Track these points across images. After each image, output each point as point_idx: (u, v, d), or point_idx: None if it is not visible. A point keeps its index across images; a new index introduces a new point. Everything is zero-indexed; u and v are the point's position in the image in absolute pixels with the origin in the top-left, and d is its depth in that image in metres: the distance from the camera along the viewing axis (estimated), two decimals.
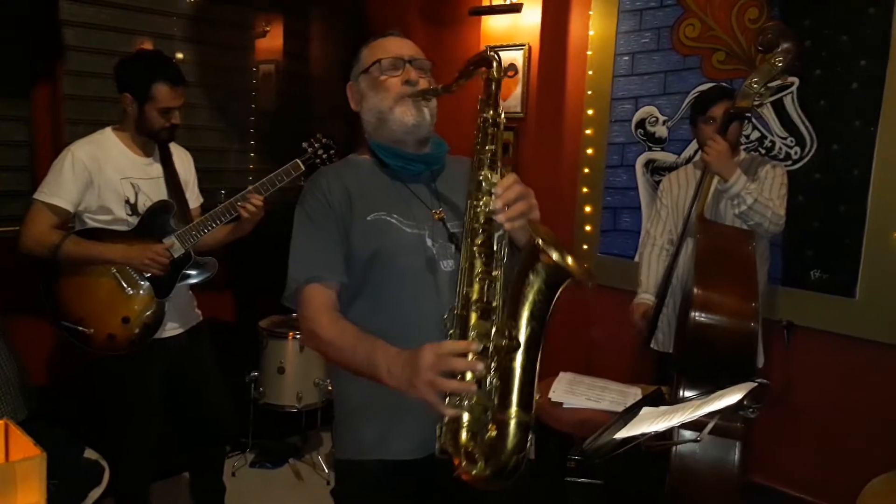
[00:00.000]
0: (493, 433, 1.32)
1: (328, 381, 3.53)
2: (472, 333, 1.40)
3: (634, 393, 2.52)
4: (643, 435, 1.59)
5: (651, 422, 1.62)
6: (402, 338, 1.48)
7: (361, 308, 1.60)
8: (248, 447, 3.68)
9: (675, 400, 2.27)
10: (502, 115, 1.51)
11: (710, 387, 2.09)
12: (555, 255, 1.28)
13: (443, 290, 1.56)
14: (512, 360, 1.32)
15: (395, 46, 1.67)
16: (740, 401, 1.61)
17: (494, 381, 1.34)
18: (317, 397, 3.51)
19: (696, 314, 2.32)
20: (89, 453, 2.31)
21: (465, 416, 1.36)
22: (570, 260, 1.29)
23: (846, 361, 3.02)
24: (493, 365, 1.35)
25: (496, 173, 1.47)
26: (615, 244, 3.82)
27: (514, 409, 1.31)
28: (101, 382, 2.63)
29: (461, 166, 1.70)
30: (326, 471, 3.55)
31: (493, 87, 1.51)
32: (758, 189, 2.56)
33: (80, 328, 2.46)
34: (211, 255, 2.67)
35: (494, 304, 1.41)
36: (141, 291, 2.53)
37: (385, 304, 1.58)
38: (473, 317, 1.41)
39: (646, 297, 2.92)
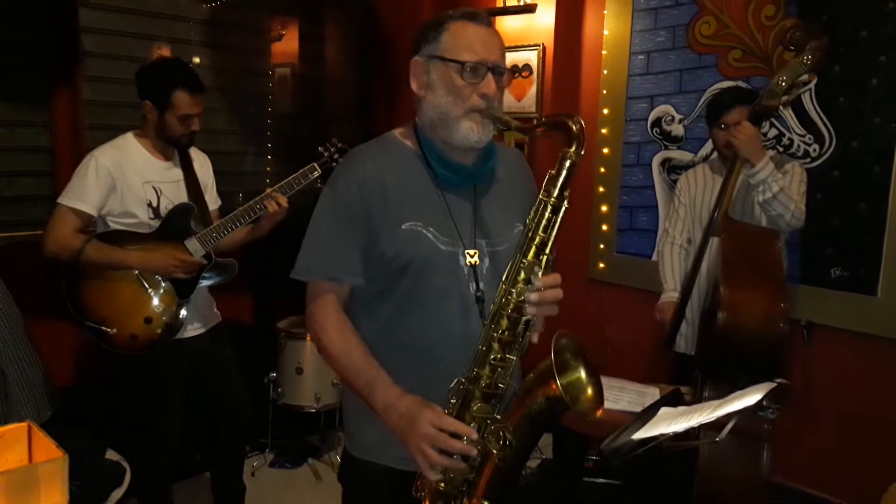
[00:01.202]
0: None
1: None
2: (472, 410, 1.40)
3: (653, 393, 2.51)
4: (662, 435, 1.58)
5: (669, 422, 1.61)
6: (423, 356, 1.50)
7: (383, 313, 1.56)
8: (267, 447, 3.70)
9: (698, 401, 2.25)
10: (566, 202, 1.40)
11: (734, 388, 2.08)
12: (566, 384, 1.32)
13: (469, 315, 1.52)
14: (500, 458, 1.36)
15: (483, 44, 1.49)
16: (760, 401, 1.60)
17: (480, 463, 1.38)
18: (335, 397, 3.53)
19: (724, 314, 2.28)
20: (111, 454, 2.33)
21: (444, 483, 1.40)
22: (588, 392, 1.36)
23: (868, 360, 2.98)
24: (481, 453, 1.38)
25: (540, 264, 1.39)
26: (632, 243, 3.80)
27: (487, 502, 1.38)
28: (122, 383, 2.66)
29: (510, 169, 1.67)
30: None
31: (568, 167, 1.39)
32: (783, 180, 2.52)
33: (104, 328, 2.49)
34: (229, 256, 2.69)
35: (500, 390, 1.41)
36: (163, 292, 2.55)
37: (409, 318, 1.53)
38: (477, 396, 1.41)
39: (672, 295, 2.86)
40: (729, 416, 1.56)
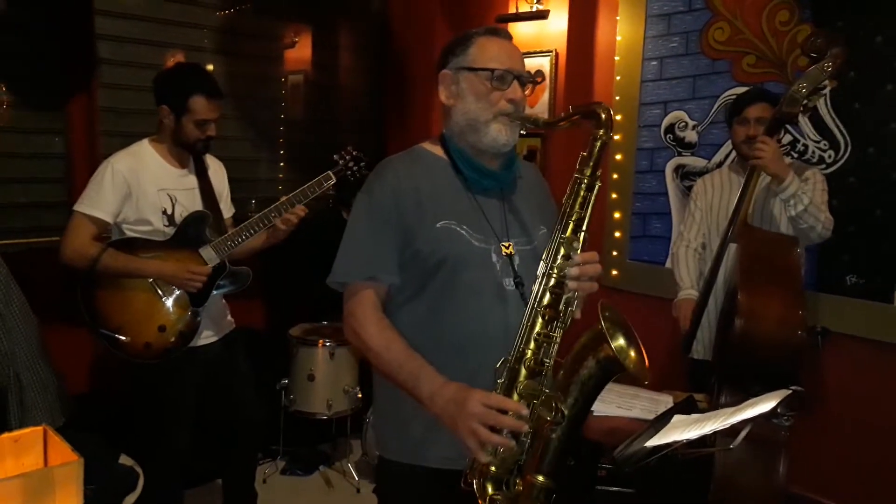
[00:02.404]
0: (520, 488, 1.40)
1: (357, 388, 3.54)
2: (519, 388, 1.43)
3: (666, 401, 2.49)
4: (675, 443, 1.57)
5: (683, 430, 1.60)
6: (460, 351, 1.55)
7: (418, 312, 1.60)
8: (279, 454, 3.71)
9: (714, 408, 2.24)
10: (598, 181, 1.50)
11: (751, 395, 2.06)
12: (617, 347, 1.34)
13: (504, 308, 1.57)
14: (553, 430, 1.39)
15: (508, 55, 1.62)
16: (774, 408, 1.59)
17: (531, 441, 1.40)
18: (347, 405, 3.53)
19: (742, 321, 2.27)
20: (124, 460, 2.35)
21: (495, 466, 1.41)
22: (632, 355, 1.37)
23: (885, 368, 2.95)
24: (532, 427, 1.40)
25: (578, 240, 1.47)
26: (645, 250, 3.79)
27: (542, 476, 1.39)
28: (136, 390, 2.67)
29: (529, 180, 1.76)
30: (357, 478, 3.56)
31: (598, 147, 1.50)
32: (811, 189, 2.51)
33: (118, 336, 2.49)
34: (243, 264, 2.70)
35: (545, 365, 1.45)
36: (177, 300, 2.56)
37: (445, 315, 1.58)
38: (523, 373, 1.44)
39: (690, 293, 2.85)
40: (742, 423, 1.55)
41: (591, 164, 1.50)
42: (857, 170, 3.00)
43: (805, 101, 2.46)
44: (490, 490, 1.41)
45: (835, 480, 3.09)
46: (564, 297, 1.46)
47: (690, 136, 3.57)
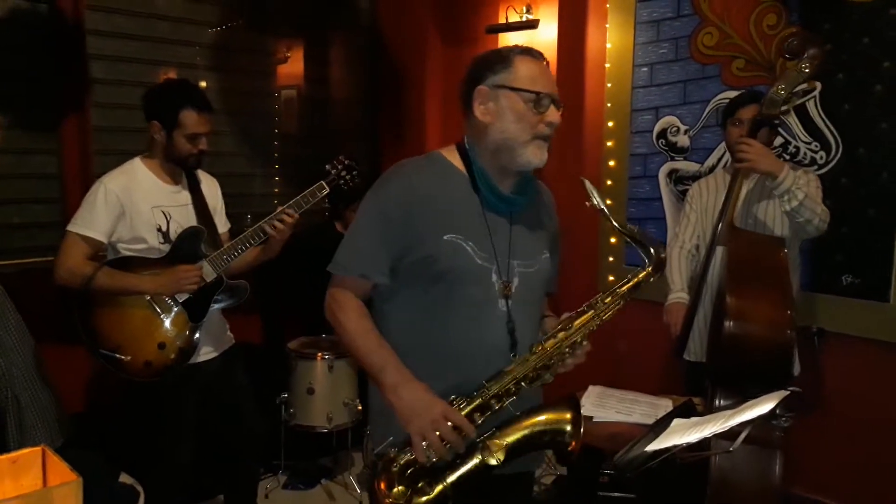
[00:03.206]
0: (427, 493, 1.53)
1: (357, 400, 3.54)
2: (477, 419, 1.55)
3: (665, 405, 2.50)
4: (675, 447, 1.57)
5: (682, 434, 1.60)
6: (444, 362, 1.61)
7: (412, 316, 1.66)
8: (280, 469, 3.70)
9: (709, 411, 2.24)
10: (626, 300, 1.67)
11: (745, 397, 2.06)
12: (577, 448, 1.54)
13: (493, 328, 1.63)
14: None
15: (547, 78, 1.65)
16: (773, 410, 1.59)
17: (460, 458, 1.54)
18: (347, 417, 3.52)
19: (731, 323, 2.28)
20: (124, 478, 2.34)
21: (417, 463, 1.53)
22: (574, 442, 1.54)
23: (882, 367, 2.96)
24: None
25: (587, 339, 1.64)
26: (640, 255, 3.78)
27: (449, 487, 1.52)
28: (136, 408, 2.66)
29: (540, 201, 1.80)
30: (359, 490, 3.55)
31: (641, 281, 1.67)
32: (805, 184, 2.52)
33: (118, 356, 2.48)
34: (240, 278, 2.70)
35: (500, 407, 1.57)
36: (175, 317, 2.55)
37: (437, 325, 1.63)
38: (479, 406, 1.56)
39: (680, 295, 2.86)
40: (742, 425, 1.55)
41: (629, 287, 1.67)
42: (848, 170, 3.02)
43: (785, 103, 2.49)
44: (398, 486, 1.54)
45: (833, 480, 3.09)
46: (547, 372, 1.60)
47: (683, 140, 3.59)
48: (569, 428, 1.54)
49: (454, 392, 1.57)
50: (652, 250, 1.64)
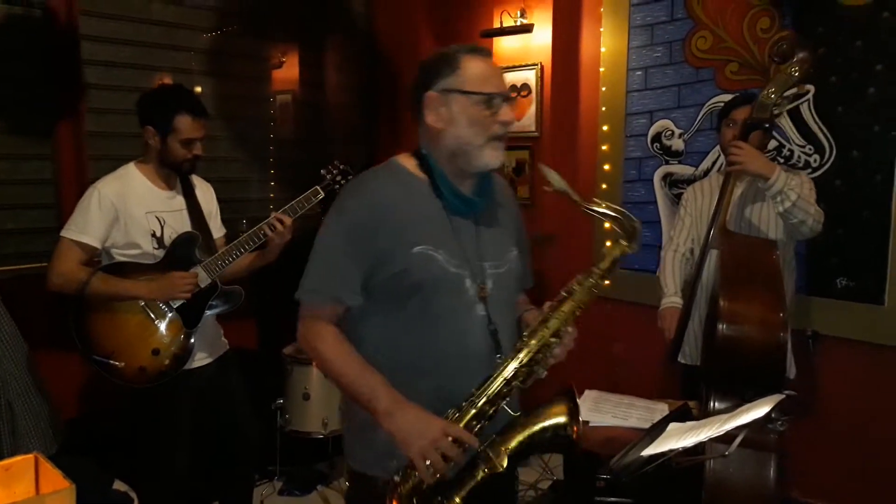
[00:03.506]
0: None
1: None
2: (475, 428, 1.52)
3: (661, 409, 2.50)
4: (671, 451, 1.57)
5: (678, 438, 1.60)
6: (428, 373, 1.57)
7: (389, 331, 1.61)
8: (275, 475, 3.68)
9: (704, 413, 2.24)
10: (608, 280, 1.64)
11: (740, 399, 2.06)
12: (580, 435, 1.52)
13: (474, 334, 1.60)
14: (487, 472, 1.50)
15: (496, 76, 1.62)
16: (768, 414, 1.59)
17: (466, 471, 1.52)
18: (342, 423, 3.51)
19: (724, 326, 2.29)
20: (118, 485, 2.33)
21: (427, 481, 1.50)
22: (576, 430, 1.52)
23: (878, 370, 2.96)
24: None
25: (573, 325, 1.60)
26: (636, 259, 3.78)
27: (460, 499, 1.50)
28: (130, 414, 2.65)
29: (501, 198, 1.76)
30: None
31: (619, 256, 1.63)
32: (798, 185, 2.53)
33: (111, 362, 2.47)
34: (235, 283, 2.69)
35: (496, 412, 1.55)
36: (169, 323, 2.55)
37: (417, 337, 1.59)
38: (475, 414, 1.53)
39: (674, 300, 2.86)
40: (738, 429, 1.55)
41: (607, 265, 1.63)
42: (842, 173, 3.03)
43: (775, 107, 2.50)
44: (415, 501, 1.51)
45: (828, 483, 3.08)
46: (537, 366, 1.56)
47: (677, 144, 3.59)
48: (567, 419, 1.51)
49: (443, 404, 1.54)
50: (624, 222, 1.60)
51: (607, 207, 1.61)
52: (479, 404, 1.52)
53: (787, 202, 2.47)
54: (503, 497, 1.79)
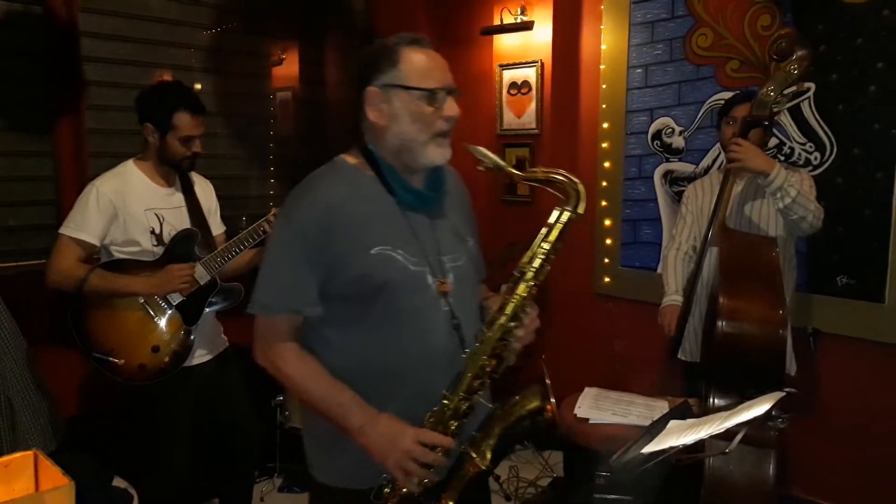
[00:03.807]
0: None
1: None
2: (452, 427, 1.50)
3: (661, 406, 2.50)
4: (671, 448, 1.57)
5: (678, 435, 1.60)
6: (401, 376, 1.53)
7: (356, 337, 1.56)
8: (275, 472, 3.68)
9: (704, 410, 2.24)
10: (556, 254, 1.54)
11: (739, 396, 2.06)
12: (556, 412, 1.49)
13: (441, 331, 1.56)
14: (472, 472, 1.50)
15: (439, 70, 1.55)
16: (769, 411, 1.59)
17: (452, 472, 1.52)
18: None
19: (724, 323, 2.29)
20: (118, 482, 2.33)
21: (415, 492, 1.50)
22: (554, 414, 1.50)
23: (878, 368, 2.96)
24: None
25: (529, 305, 1.53)
26: (636, 256, 3.79)
27: (452, 502, 1.50)
28: (130, 411, 2.65)
29: (452, 189, 1.71)
30: None
31: (566, 223, 1.54)
32: (798, 181, 2.53)
33: (111, 359, 2.48)
34: (235, 280, 2.69)
35: (473, 408, 1.53)
36: (169, 319, 2.55)
37: (385, 340, 1.54)
38: (452, 414, 1.51)
39: (675, 298, 2.86)
40: (738, 426, 1.55)
41: (555, 236, 1.53)
42: (843, 171, 3.02)
43: (774, 104, 2.50)
44: None
45: (829, 481, 3.09)
46: (505, 356, 1.53)
47: (678, 141, 3.59)
48: (540, 402, 1.49)
49: (418, 406, 1.50)
50: (567, 186, 1.53)
51: (544, 174, 1.55)
52: (454, 403, 1.50)
53: (787, 198, 2.47)
54: (476, 490, 1.73)
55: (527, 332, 1.54)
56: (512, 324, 1.52)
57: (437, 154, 1.56)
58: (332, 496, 1.63)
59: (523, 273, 1.52)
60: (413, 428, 1.46)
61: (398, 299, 1.52)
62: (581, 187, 1.53)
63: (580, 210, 1.53)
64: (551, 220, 1.54)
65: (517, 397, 1.53)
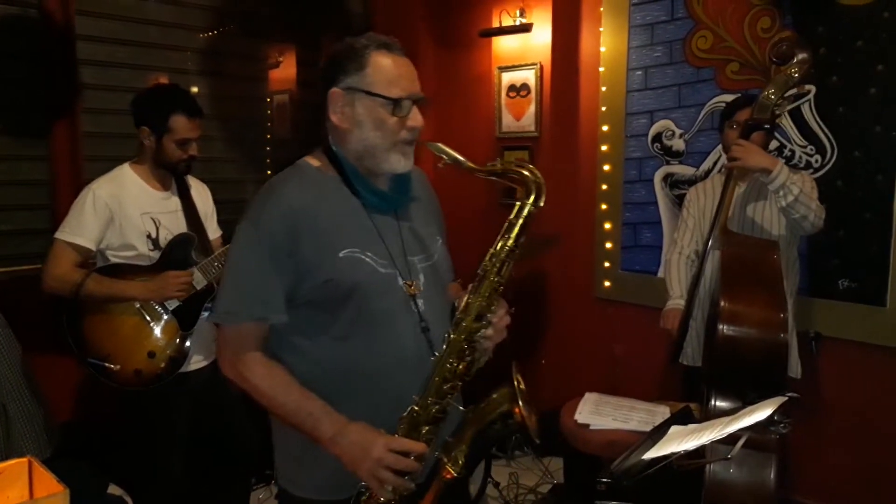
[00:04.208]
0: None
1: None
2: (423, 432, 1.48)
3: (662, 411, 2.49)
4: (672, 454, 1.55)
5: (680, 440, 1.58)
6: (374, 380, 1.51)
7: (328, 342, 1.52)
8: (272, 479, 3.66)
9: (706, 414, 2.23)
10: (519, 249, 1.50)
11: (741, 400, 2.05)
12: (525, 415, 1.45)
13: (413, 335, 1.54)
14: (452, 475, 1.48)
15: (406, 78, 1.51)
16: (770, 416, 1.57)
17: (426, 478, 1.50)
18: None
19: (725, 326, 2.28)
20: (113, 489, 2.31)
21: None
22: (532, 420, 1.47)
23: (880, 372, 2.95)
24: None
25: (496, 304, 1.50)
26: (637, 260, 3.78)
27: None
28: (126, 417, 2.63)
29: (418, 189, 1.68)
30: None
31: (525, 216, 1.49)
32: (800, 180, 2.52)
33: (107, 365, 2.46)
34: None
35: (446, 412, 1.50)
36: (165, 325, 2.53)
37: (357, 344, 1.51)
38: (425, 420, 1.49)
39: (678, 301, 2.85)
40: (740, 431, 1.54)
41: (517, 231, 1.49)
42: (844, 174, 3.01)
43: (775, 107, 2.50)
44: None
45: (830, 485, 3.07)
46: (476, 356, 1.51)
47: (678, 144, 3.58)
48: (509, 404, 1.46)
49: (390, 411, 1.48)
50: (528, 179, 1.49)
51: (504, 167, 1.52)
52: (425, 408, 1.47)
53: (790, 196, 2.46)
54: (454, 496, 1.69)
55: (496, 330, 1.51)
56: (478, 324, 1.49)
57: (400, 162, 1.54)
58: None
59: (486, 272, 1.50)
60: (385, 435, 1.44)
61: (368, 303, 1.49)
62: (542, 180, 1.49)
63: (541, 203, 1.49)
64: (512, 215, 1.51)
65: (487, 400, 1.51)
